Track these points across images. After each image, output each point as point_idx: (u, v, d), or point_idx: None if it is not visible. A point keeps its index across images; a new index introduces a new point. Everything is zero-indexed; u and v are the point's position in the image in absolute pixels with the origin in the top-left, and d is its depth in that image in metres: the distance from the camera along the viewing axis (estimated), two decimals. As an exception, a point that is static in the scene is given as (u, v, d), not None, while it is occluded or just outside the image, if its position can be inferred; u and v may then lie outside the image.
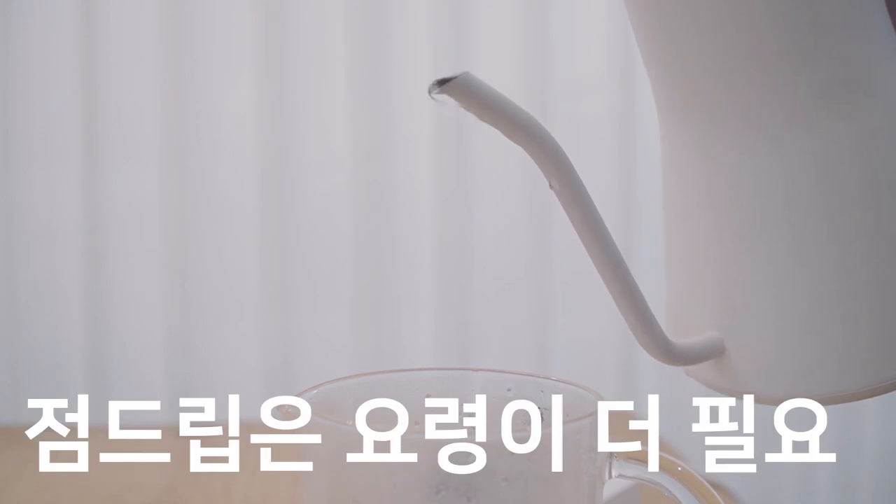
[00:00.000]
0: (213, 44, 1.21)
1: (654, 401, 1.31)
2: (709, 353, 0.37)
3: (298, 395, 0.35)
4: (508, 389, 0.38)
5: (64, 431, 0.85)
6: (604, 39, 1.28)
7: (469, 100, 0.31)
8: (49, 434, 0.84)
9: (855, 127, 0.35)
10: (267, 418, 0.36)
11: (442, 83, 0.30)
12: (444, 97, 0.30)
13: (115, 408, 1.34)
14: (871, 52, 0.35)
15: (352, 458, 0.32)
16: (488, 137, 1.32)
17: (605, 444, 0.34)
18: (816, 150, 0.35)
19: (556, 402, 0.37)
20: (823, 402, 0.36)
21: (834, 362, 0.35)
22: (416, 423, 0.38)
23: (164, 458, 0.78)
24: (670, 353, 0.36)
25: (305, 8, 1.22)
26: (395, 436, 0.32)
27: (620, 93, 1.28)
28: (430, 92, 0.30)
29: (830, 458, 1.36)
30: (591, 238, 0.34)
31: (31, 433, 0.83)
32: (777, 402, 0.37)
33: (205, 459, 0.79)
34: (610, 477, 0.35)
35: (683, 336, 0.38)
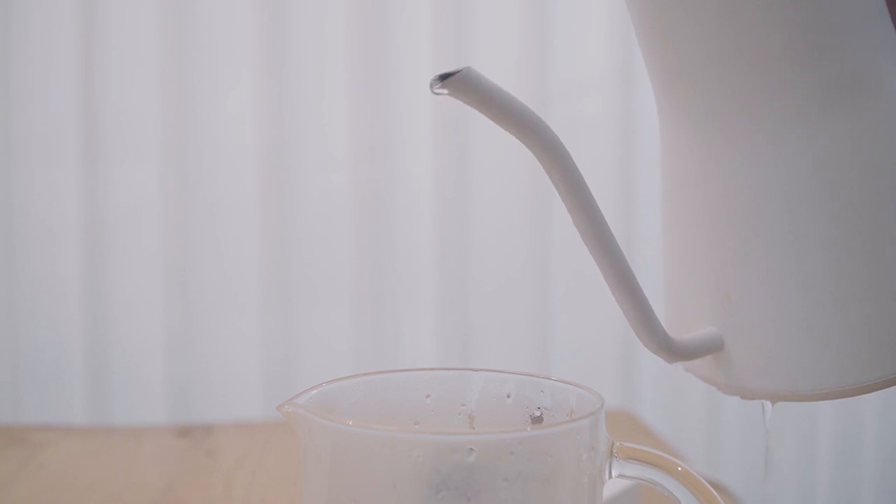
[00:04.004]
0: (213, 44, 1.21)
1: (653, 401, 1.31)
2: (707, 349, 0.37)
3: (298, 395, 0.35)
4: (508, 395, 0.38)
5: (64, 431, 0.85)
6: (604, 39, 1.28)
7: (470, 94, 0.31)
8: (49, 434, 0.85)
9: (854, 127, 0.35)
10: (267, 418, 0.36)
11: (444, 78, 0.30)
12: (445, 92, 0.31)
13: (115, 408, 1.35)
14: (871, 53, 0.35)
15: (352, 458, 0.32)
16: (488, 138, 1.32)
17: (605, 444, 0.34)
18: (815, 149, 0.35)
19: (556, 402, 0.37)
20: (821, 398, 0.36)
21: (831, 358, 0.35)
22: (416, 423, 0.38)
23: (164, 458, 0.78)
24: (669, 349, 0.36)
25: (305, 8, 1.22)
26: (395, 436, 0.32)
27: (620, 93, 1.28)
28: (431, 87, 0.30)
29: (830, 458, 1.36)
30: (590, 233, 0.34)
31: (31, 433, 0.83)
32: (775, 398, 0.37)
33: (205, 459, 0.80)
34: (610, 477, 0.35)
35: (682, 332, 0.38)
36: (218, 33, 1.22)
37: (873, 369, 0.35)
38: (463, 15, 1.25)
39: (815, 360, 0.36)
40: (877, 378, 0.36)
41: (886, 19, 0.36)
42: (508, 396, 0.38)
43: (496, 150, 1.25)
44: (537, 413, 0.37)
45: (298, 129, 1.23)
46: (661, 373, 1.30)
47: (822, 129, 0.35)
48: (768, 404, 0.38)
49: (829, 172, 0.35)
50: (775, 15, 0.34)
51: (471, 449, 0.31)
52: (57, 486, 0.70)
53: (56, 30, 1.19)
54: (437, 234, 1.26)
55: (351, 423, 0.33)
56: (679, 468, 0.34)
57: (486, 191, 1.27)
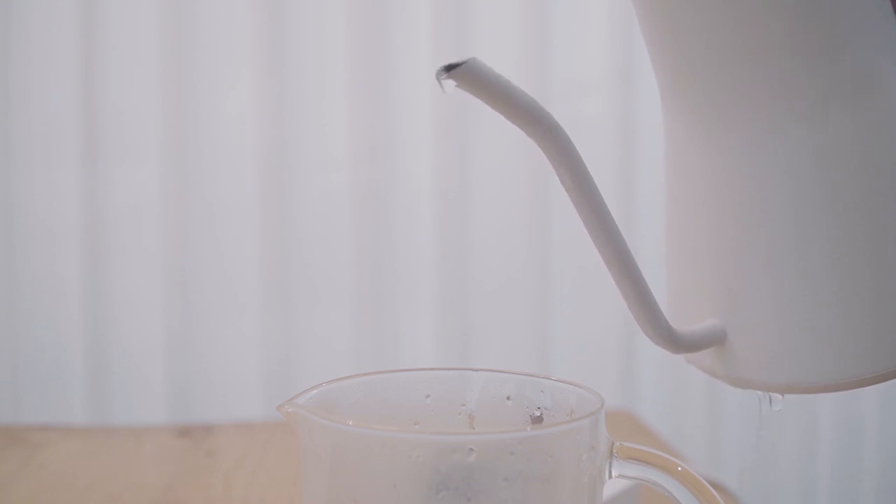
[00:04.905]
0: (213, 44, 1.21)
1: (653, 400, 1.31)
2: (710, 341, 0.37)
3: (298, 395, 0.35)
4: (508, 395, 0.38)
5: (64, 431, 0.85)
6: (604, 39, 1.28)
7: (476, 85, 0.31)
8: (49, 434, 0.85)
9: (858, 124, 0.35)
10: (267, 418, 0.36)
11: (449, 69, 0.30)
12: (450, 83, 0.31)
13: (115, 408, 1.35)
14: (875, 52, 0.35)
15: (352, 458, 0.32)
16: (488, 137, 1.32)
17: (605, 444, 0.34)
18: (819, 145, 0.35)
19: (557, 402, 0.37)
20: (824, 391, 0.36)
21: (834, 350, 0.35)
22: (416, 423, 0.38)
23: (164, 458, 0.78)
24: (672, 340, 0.37)
25: (305, 8, 1.22)
26: (395, 436, 0.32)
27: (620, 93, 1.28)
28: (437, 77, 0.31)
29: (831, 456, 1.36)
30: (595, 225, 0.34)
31: (31, 433, 0.83)
32: (777, 390, 0.37)
33: (205, 459, 0.80)
34: (610, 477, 0.35)
35: (684, 324, 0.38)
36: (218, 33, 1.22)
37: (874, 362, 0.36)
38: (463, 15, 1.25)
39: (816, 353, 0.36)
40: (878, 371, 0.36)
41: (891, 19, 0.36)
42: (508, 397, 0.38)
43: (496, 150, 1.25)
44: (537, 413, 0.37)
45: (298, 129, 1.23)
46: (662, 372, 1.30)
47: (826, 125, 0.35)
48: (778, 397, 0.38)
49: (832, 168, 0.35)
50: (781, 12, 0.34)
51: (471, 449, 0.31)
52: (57, 486, 0.70)
53: (56, 30, 1.19)
54: (437, 234, 1.26)
55: (351, 423, 0.33)
56: (679, 468, 0.34)
57: (486, 191, 1.27)
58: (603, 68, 1.29)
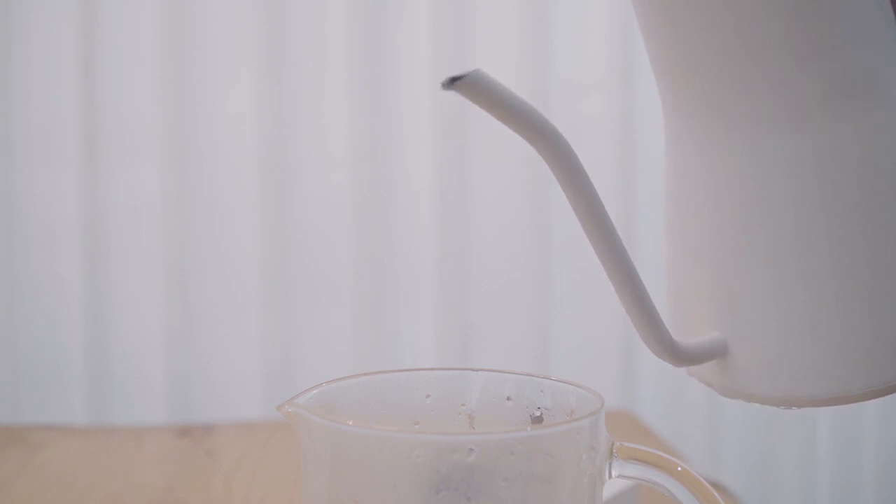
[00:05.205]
0: (213, 44, 1.21)
1: (653, 400, 1.31)
2: (712, 354, 0.37)
3: (298, 395, 0.35)
4: (508, 397, 0.38)
5: (64, 431, 0.85)
6: (604, 39, 1.28)
7: (479, 97, 0.31)
8: (49, 434, 0.85)
9: (858, 128, 0.35)
10: (267, 418, 0.36)
11: (453, 80, 0.30)
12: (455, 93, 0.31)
13: (115, 408, 1.35)
14: (875, 54, 0.35)
15: (352, 458, 0.32)
16: (488, 137, 1.31)
17: (605, 444, 0.34)
18: (820, 149, 0.35)
19: (557, 402, 0.37)
20: (825, 403, 0.36)
21: (835, 363, 0.35)
22: (416, 423, 0.38)
23: (164, 458, 0.78)
24: (674, 353, 0.36)
25: (305, 8, 1.22)
26: (395, 436, 0.32)
27: (620, 93, 1.28)
28: (443, 88, 0.31)
29: (831, 458, 1.36)
30: (597, 236, 0.34)
31: (31, 433, 0.83)
32: (779, 403, 0.37)
33: (205, 459, 0.80)
34: (610, 477, 0.35)
35: (685, 336, 0.38)
36: (218, 33, 1.22)
37: (876, 375, 0.35)
38: (463, 15, 1.25)
39: (818, 365, 0.36)
40: (879, 384, 0.36)
41: (891, 21, 0.36)
42: (508, 397, 0.38)
43: (496, 150, 1.25)
44: (537, 413, 0.37)
45: (298, 129, 1.23)
46: (662, 372, 1.30)
47: (826, 129, 0.35)
48: None
49: (834, 173, 0.35)
50: (781, 15, 0.34)
51: (471, 449, 0.31)
52: (57, 486, 0.70)
53: (56, 30, 1.19)
54: (437, 234, 1.26)
55: (351, 423, 0.33)
56: (679, 468, 0.34)
57: (486, 191, 1.27)
58: (603, 68, 1.29)
